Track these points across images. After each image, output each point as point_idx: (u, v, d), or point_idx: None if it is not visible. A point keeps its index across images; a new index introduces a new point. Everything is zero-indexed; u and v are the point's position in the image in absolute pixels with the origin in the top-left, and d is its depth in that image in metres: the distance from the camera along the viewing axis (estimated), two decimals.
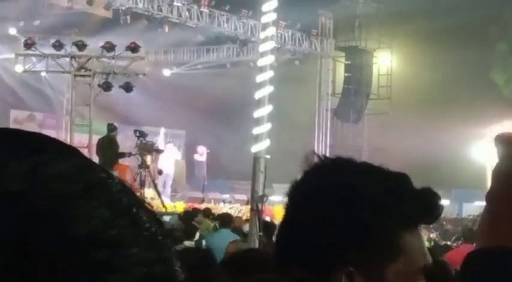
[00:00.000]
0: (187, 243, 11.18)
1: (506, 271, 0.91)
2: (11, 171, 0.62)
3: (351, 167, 1.33)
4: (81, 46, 20.98)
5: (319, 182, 1.33)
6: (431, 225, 22.69)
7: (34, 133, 0.67)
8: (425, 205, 1.26)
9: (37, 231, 0.60)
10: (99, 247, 0.61)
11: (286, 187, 1.46)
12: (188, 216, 14.48)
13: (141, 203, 0.70)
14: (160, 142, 22.91)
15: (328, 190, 1.30)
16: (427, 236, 19.28)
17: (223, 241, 8.63)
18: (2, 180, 0.61)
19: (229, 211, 17.51)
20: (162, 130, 23.91)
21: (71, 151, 0.67)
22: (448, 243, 16.08)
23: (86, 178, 0.64)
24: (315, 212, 1.29)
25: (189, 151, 27.64)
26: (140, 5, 24.72)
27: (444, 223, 23.77)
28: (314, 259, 1.28)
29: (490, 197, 0.96)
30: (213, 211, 18.10)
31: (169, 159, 22.89)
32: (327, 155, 1.46)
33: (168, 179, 22.79)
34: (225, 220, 12.64)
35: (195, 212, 15.91)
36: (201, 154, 24.76)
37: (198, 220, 14.36)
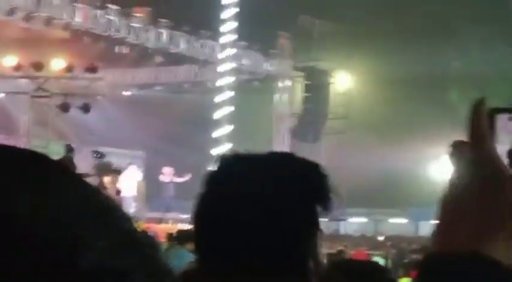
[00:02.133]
0: None
1: (458, 274, 0.93)
2: (20, 201, 0.62)
3: None
4: (38, 67, 20.84)
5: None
6: (388, 244, 22.85)
7: (36, 155, 0.67)
8: None
9: (47, 263, 0.60)
10: (108, 277, 0.61)
11: None
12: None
13: (135, 227, 0.70)
14: (121, 163, 22.83)
15: None
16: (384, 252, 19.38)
17: (179, 260, 8.56)
18: (11, 209, 0.61)
19: None
20: (123, 152, 23.85)
21: (73, 177, 0.67)
22: (405, 261, 16.15)
23: (94, 207, 0.65)
24: None
25: (148, 172, 27.47)
26: (98, 26, 24.62)
27: (401, 242, 23.90)
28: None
29: (444, 202, 0.98)
30: (171, 232, 18.01)
31: (131, 181, 22.82)
32: None
33: (130, 201, 22.71)
34: (180, 238, 12.55)
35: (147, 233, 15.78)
36: (167, 175, 24.65)
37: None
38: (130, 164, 24.01)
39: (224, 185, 1.55)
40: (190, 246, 12.45)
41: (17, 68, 21.11)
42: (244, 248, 1.47)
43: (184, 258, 10.25)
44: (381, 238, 26.18)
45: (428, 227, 26.08)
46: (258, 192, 1.50)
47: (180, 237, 12.81)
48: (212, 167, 1.60)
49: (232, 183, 1.53)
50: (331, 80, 32.00)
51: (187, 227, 19.77)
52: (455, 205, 0.97)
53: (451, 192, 0.98)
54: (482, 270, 0.92)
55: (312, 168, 1.55)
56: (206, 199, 1.57)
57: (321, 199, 1.51)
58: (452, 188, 0.98)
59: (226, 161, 1.59)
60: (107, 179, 20.16)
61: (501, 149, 0.99)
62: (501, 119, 1.00)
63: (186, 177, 24.49)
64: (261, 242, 1.47)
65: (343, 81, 32.21)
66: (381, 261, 13.97)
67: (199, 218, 1.58)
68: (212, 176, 1.59)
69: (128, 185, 22.91)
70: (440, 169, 24.60)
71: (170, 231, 18.31)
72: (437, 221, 0.99)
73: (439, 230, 0.98)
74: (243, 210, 1.49)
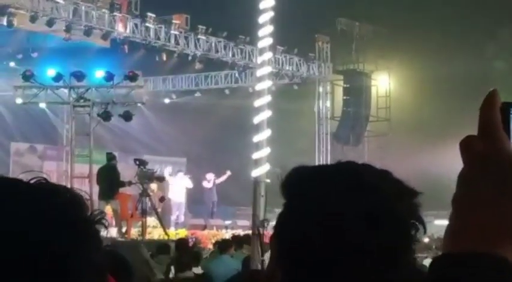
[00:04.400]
0: (195, 270, 11.07)
1: (473, 275, 0.90)
2: None
3: None
4: (79, 76, 20.97)
5: None
6: (434, 246, 22.56)
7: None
8: None
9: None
10: None
11: None
12: (182, 244, 14.31)
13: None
14: (169, 171, 23.07)
15: None
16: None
17: (224, 267, 8.57)
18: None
19: None
20: (171, 159, 24.15)
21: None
22: None
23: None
24: None
25: (190, 178, 27.55)
26: (137, 34, 24.74)
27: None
28: None
29: (455, 201, 0.96)
30: (216, 237, 18.06)
31: (180, 188, 22.97)
32: None
33: (180, 207, 22.89)
34: (225, 246, 12.57)
35: (186, 239, 15.94)
36: (209, 181, 24.73)
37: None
38: (179, 171, 24.21)
39: (314, 202, 1.46)
40: (232, 252, 12.46)
41: (58, 78, 21.26)
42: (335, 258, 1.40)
43: (227, 264, 10.25)
44: (426, 240, 25.90)
45: None
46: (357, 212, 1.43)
47: (222, 245, 12.82)
48: (290, 180, 1.52)
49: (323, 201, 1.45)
50: (372, 82, 31.79)
51: (230, 234, 19.77)
52: (466, 206, 0.94)
53: (461, 192, 0.95)
54: (492, 270, 0.89)
55: (404, 185, 1.52)
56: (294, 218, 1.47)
57: (415, 217, 1.48)
58: (463, 187, 0.95)
59: (308, 176, 1.52)
60: (152, 186, 20.28)
61: None
62: None
63: (226, 176, 24.52)
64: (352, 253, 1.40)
65: (384, 84, 31.97)
66: (428, 262, 13.78)
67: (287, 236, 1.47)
68: (296, 192, 1.50)
69: (177, 192, 23.10)
70: None
71: (216, 238, 18.39)
72: (449, 221, 0.97)
73: (451, 231, 0.95)
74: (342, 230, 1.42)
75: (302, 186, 1.50)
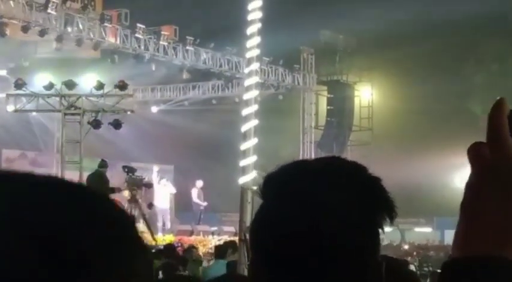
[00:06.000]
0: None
1: (485, 278, 0.91)
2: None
3: None
4: (70, 85, 21.00)
5: None
6: (414, 252, 22.70)
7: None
8: None
9: None
10: None
11: None
12: (169, 250, 14.34)
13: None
14: (154, 178, 22.99)
15: None
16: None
17: (219, 272, 8.63)
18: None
19: (217, 243, 17.45)
20: (155, 167, 24.08)
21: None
22: (431, 269, 16.02)
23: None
24: None
25: (177, 186, 27.55)
26: (127, 45, 24.80)
27: (427, 250, 23.75)
28: None
29: (464, 207, 0.95)
30: (203, 243, 18.08)
31: (164, 194, 22.97)
32: None
33: (165, 213, 22.87)
34: (221, 251, 12.61)
35: (173, 244, 15.94)
36: (198, 188, 24.76)
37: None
38: (162, 178, 24.18)
39: (289, 195, 1.46)
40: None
41: (50, 86, 21.30)
42: (312, 257, 1.40)
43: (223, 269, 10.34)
44: (406, 247, 26.04)
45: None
46: (326, 203, 1.43)
47: (219, 251, 12.84)
48: (273, 175, 1.51)
49: (299, 194, 1.45)
50: (355, 93, 31.94)
51: (216, 240, 19.81)
52: (475, 211, 0.94)
53: (470, 198, 0.95)
54: (504, 273, 0.90)
55: (377, 180, 1.51)
56: (271, 210, 1.48)
57: (388, 210, 1.47)
58: (471, 194, 0.95)
59: (289, 170, 1.51)
60: (139, 193, 20.26)
61: None
62: None
63: (196, 190, 24.41)
64: (328, 252, 1.40)
65: (366, 94, 32.12)
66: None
67: (263, 229, 1.47)
68: (275, 185, 1.50)
69: (162, 198, 23.09)
70: (464, 178, 24.40)
71: (202, 243, 18.39)
72: (458, 227, 0.97)
73: (460, 236, 0.95)
74: (311, 221, 1.42)
75: (280, 185, 1.48)
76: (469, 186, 0.96)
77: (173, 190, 24.23)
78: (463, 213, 0.96)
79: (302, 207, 1.43)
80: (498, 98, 0.95)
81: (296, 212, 1.42)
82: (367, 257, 1.44)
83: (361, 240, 1.43)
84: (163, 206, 23.07)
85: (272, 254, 1.42)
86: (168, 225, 22.86)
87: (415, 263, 19.46)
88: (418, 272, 16.89)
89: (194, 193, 24.53)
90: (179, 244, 19.15)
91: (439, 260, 19.88)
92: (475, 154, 0.95)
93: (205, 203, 24.43)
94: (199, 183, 24.70)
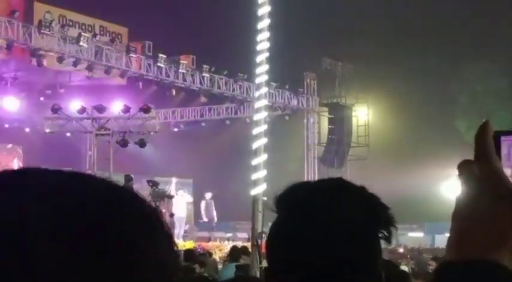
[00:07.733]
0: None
1: (472, 279, 0.90)
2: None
3: None
4: (100, 109, 21.10)
5: None
6: (408, 256, 22.55)
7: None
8: None
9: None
10: None
11: None
12: (189, 255, 14.30)
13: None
14: (172, 190, 22.94)
15: None
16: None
17: (230, 273, 8.59)
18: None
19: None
20: (174, 180, 24.03)
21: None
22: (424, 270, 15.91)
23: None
24: None
25: (196, 197, 27.55)
26: (150, 73, 24.92)
27: (419, 253, 23.61)
28: None
29: (455, 216, 0.94)
30: (219, 248, 18.03)
31: (181, 204, 22.91)
32: None
33: (181, 221, 22.79)
34: (234, 255, 12.54)
35: (194, 251, 15.87)
36: (207, 199, 24.73)
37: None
38: (179, 189, 24.14)
39: (302, 213, 1.44)
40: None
41: (82, 110, 21.40)
42: (325, 268, 1.38)
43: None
44: (401, 250, 25.89)
45: (443, 239, 25.76)
46: (338, 219, 1.41)
47: (232, 255, 12.78)
48: (285, 196, 1.48)
49: (311, 211, 1.43)
50: (353, 113, 31.95)
51: (231, 244, 19.76)
52: (466, 220, 0.93)
53: (461, 209, 0.94)
54: (493, 274, 0.90)
55: (378, 200, 1.49)
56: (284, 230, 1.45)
57: (386, 229, 1.44)
58: (462, 205, 0.94)
59: (301, 190, 1.49)
60: (162, 204, 20.24)
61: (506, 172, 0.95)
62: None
63: (204, 204, 24.35)
64: (340, 264, 1.38)
65: (363, 114, 32.13)
66: (404, 269, 13.79)
67: (279, 242, 1.46)
68: (289, 203, 1.47)
69: (179, 207, 23.04)
70: (450, 188, 24.33)
71: (218, 248, 18.36)
72: (451, 234, 0.96)
73: (453, 242, 0.95)
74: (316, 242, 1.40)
75: (294, 201, 1.47)
76: (460, 197, 0.95)
77: (190, 199, 24.16)
78: (454, 222, 0.95)
79: (315, 223, 1.41)
80: (483, 120, 0.95)
81: (309, 228, 1.41)
82: (373, 268, 1.44)
83: (368, 252, 1.43)
84: (181, 214, 23.00)
85: (287, 264, 1.41)
86: (182, 232, 22.56)
87: (412, 266, 19.35)
88: (415, 271, 16.80)
89: (202, 205, 24.50)
90: (201, 248, 19.11)
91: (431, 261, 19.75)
92: (464, 169, 0.95)
93: (206, 220, 24.37)
94: (208, 195, 24.66)
